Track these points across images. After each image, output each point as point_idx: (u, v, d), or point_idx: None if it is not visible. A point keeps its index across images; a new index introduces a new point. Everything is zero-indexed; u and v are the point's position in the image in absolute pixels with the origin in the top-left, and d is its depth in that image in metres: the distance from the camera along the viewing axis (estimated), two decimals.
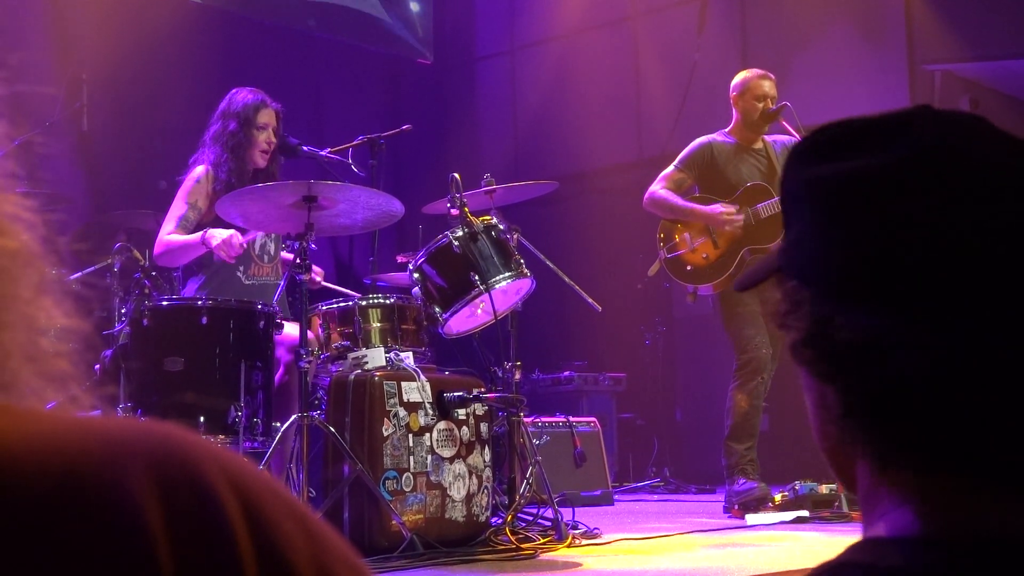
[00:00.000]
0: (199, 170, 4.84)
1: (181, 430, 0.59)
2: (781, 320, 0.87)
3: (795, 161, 0.88)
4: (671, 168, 6.04)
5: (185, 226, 4.79)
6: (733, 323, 5.86)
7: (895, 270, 0.79)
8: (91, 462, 0.55)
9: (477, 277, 4.38)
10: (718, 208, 5.84)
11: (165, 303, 4.36)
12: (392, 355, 4.37)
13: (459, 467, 4.32)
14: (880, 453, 0.82)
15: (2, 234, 0.61)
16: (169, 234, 4.79)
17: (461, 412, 4.37)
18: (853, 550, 0.81)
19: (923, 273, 0.78)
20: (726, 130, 6.06)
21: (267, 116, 4.92)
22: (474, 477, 4.37)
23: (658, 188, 6.00)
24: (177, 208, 4.82)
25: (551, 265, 5.05)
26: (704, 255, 5.94)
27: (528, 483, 4.54)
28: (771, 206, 5.81)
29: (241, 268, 4.90)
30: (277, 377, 4.58)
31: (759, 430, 5.83)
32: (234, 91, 4.97)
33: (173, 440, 0.58)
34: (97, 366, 4.22)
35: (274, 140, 4.95)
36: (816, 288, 0.84)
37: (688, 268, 5.98)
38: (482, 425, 4.46)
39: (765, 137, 6.03)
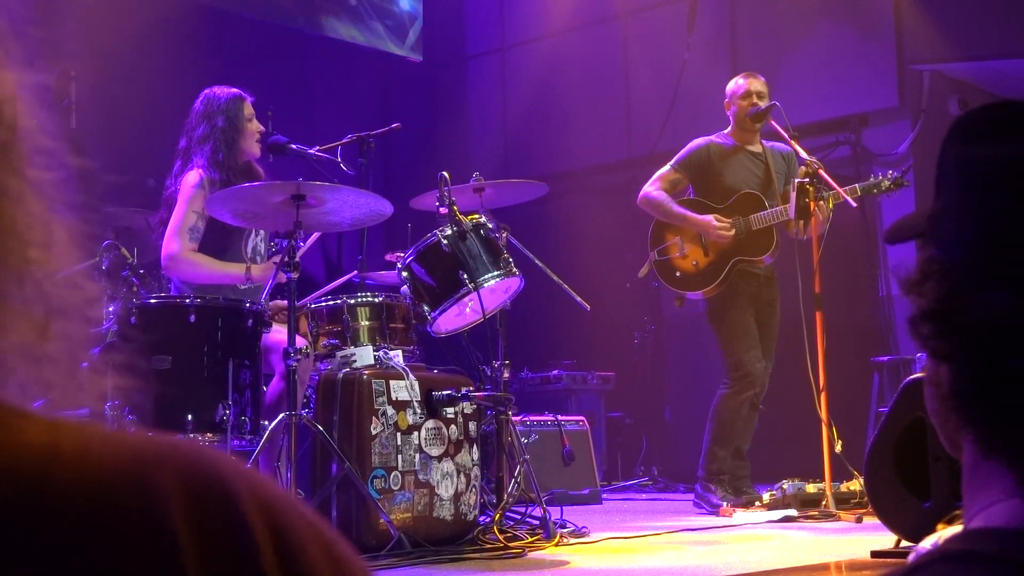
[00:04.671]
0: (193, 176, 4.75)
1: (210, 449, 0.60)
2: (908, 289, 0.86)
3: (955, 136, 0.88)
4: (667, 168, 6.05)
5: (196, 236, 4.72)
6: (726, 334, 5.88)
7: None
8: (123, 480, 0.56)
9: (466, 276, 4.38)
10: (711, 219, 5.85)
11: (153, 301, 4.35)
12: (381, 353, 4.37)
13: (447, 466, 4.32)
14: (985, 438, 0.82)
15: None
16: (193, 252, 4.69)
17: (449, 411, 4.37)
18: (970, 539, 0.80)
19: None
20: (725, 132, 6.10)
21: (248, 108, 4.93)
22: (462, 476, 4.37)
23: (652, 189, 6.01)
24: (186, 219, 4.70)
25: (540, 264, 5.05)
26: (694, 262, 5.95)
27: (516, 482, 4.54)
28: (764, 219, 5.83)
29: None
30: (272, 386, 4.56)
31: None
32: (206, 92, 4.93)
33: (203, 459, 0.59)
34: (84, 364, 4.20)
35: (262, 128, 4.96)
36: (951, 263, 0.83)
37: (677, 274, 6.00)
38: (470, 424, 4.46)
39: (764, 143, 6.07)
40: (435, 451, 4.29)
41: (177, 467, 0.58)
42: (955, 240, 0.83)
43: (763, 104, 5.93)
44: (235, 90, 4.94)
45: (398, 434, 4.20)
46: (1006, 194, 0.81)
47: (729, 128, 6.09)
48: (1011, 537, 0.79)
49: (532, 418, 6.69)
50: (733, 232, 5.82)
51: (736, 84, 6.03)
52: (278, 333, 4.45)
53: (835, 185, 5.51)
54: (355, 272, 5.14)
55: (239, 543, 0.57)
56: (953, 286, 0.82)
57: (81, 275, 0.65)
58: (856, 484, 5.39)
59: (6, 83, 0.63)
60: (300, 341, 4.23)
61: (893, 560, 3.55)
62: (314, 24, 9.51)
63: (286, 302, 4.25)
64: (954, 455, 0.88)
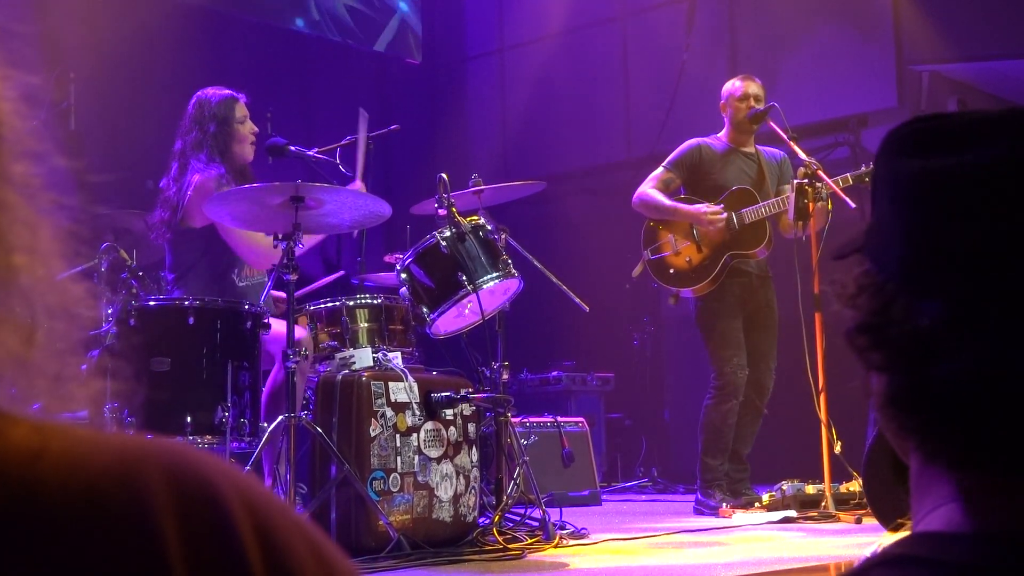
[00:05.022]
0: (206, 180, 4.74)
1: (196, 449, 0.60)
2: (844, 302, 0.88)
3: (884, 151, 0.89)
4: (659, 169, 6.06)
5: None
6: (712, 339, 5.88)
7: (960, 269, 0.80)
8: (110, 480, 0.56)
9: (465, 277, 4.38)
10: (702, 207, 5.85)
11: (152, 303, 4.35)
12: (380, 355, 4.37)
13: (446, 467, 4.32)
14: (924, 445, 0.84)
15: None
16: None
17: (449, 412, 4.37)
18: (909, 543, 0.82)
19: (986, 275, 0.79)
20: (718, 134, 6.10)
21: (242, 109, 4.92)
22: (461, 477, 4.37)
23: (646, 188, 6.01)
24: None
25: (539, 265, 5.05)
26: (687, 259, 5.95)
27: (516, 483, 4.54)
28: (756, 211, 5.83)
29: (235, 271, 4.89)
30: (272, 376, 4.56)
31: (731, 445, 5.88)
32: (198, 94, 4.91)
33: (190, 459, 0.59)
34: (84, 366, 4.20)
35: (256, 129, 4.95)
36: (884, 275, 0.85)
37: (671, 271, 5.99)
38: (470, 425, 4.46)
39: (757, 146, 6.08)
40: (434, 453, 4.29)
41: (164, 467, 0.58)
42: (886, 253, 0.85)
43: (760, 107, 5.93)
44: (227, 91, 4.92)
45: (397, 436, 4.20)
46: (933, 206, 0.83)
47: (723, 130, 6.08)
48: (946, 540, 0.81)
49: (531, 419, 6.69)
50: (725, 218, 5.81)
51: (733, 86, 6.03)
52: (277, 325, 4.46)
53: (834, 186, 5.50)
54: (340, 273, 5.13)
55: (225, 543, 0.57)
56: (886, 298, 0.84)
57: (72, 279, 0.65)
58: (856, 485, 5.39)
59: None
60: (301, 332, 4.23)
61: None
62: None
63: (282, 293, 4.24)
64: (905, 462, 0.90)
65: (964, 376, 0.79)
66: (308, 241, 4.77)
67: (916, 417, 0.83)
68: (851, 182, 5.63)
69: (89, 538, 0.54)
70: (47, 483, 0.55)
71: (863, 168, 5.72)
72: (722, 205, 5.86)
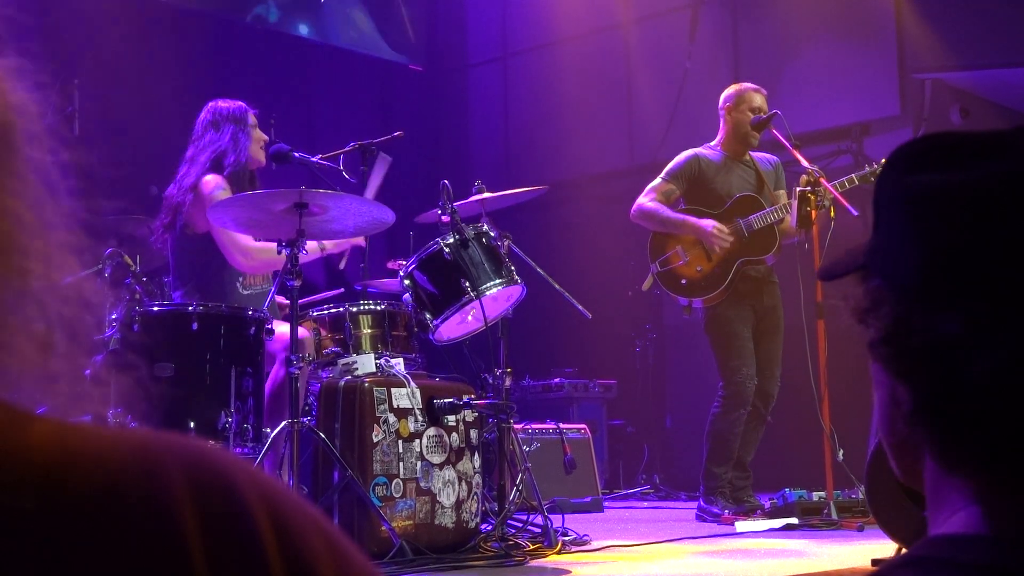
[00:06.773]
0: (212, 180, 4.76)
1: (215, 446, 0.62)
2: (860, 317, 0.90)
3: (892, 168, 0.91)
4: (659, 180, 6.03)
5: None
6: (721, 349, 5.86)
7: (979, 280, 0.82)
8: (131, 474, 0.58)
9: (468, 284, 4.39)
10: (710, 225, 5.82)
11: (155, 309, 4.36)
12: (382, 361, 4.38)
13: (449, 473, 4.32)
14: (946, 452, 0.85)
15: None
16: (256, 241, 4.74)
17: (451, 418, 4.37)
18: (927, 545, 0.84)
19: (1005, 285, 0.81)
20: (712, 144, 6.06)
21: (253, 118, 4.97)
22: (464, 483, 4.37)
23: (647, 200, 5.98)
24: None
25: (541, 272, 5.05)
26: (698, 268, 5.92)
27: (518, 490, 4.54)
28: (764, 217, 5.81)
29: (240, 279, 4.91)
30: (272, 375, 4.57)
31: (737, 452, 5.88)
32: (212, 103, 4.96)
33: (208, 455, 0.61)
34: (87, 371, 4.20)
35: (266, 137, 4.98)
36: (900, 289, 0.87)
37: (683, 282, 5.95)
38: (472, 431, 4.46)
39: (750, 152, 6.06)
40: (436, 459, 4.29)
41: (181, 461, 0.59)
42: (902, 268, 0.87)
43: (763, 115, 5.92)
44: (240, 103, 4.97)
45: (400, 442, 4.20)
46: (948, 219, 0.85)
47: (717, 139, 6.05)
48: (965, 542, 0.83)
49: (534, 426, 6.69)
50: (733, 238, 5.80)
51: (739, 93, 5.98)
52: (280, 327, 4.47)
53: (837, 194, 5.50)
54: (339, 291, 5.18)
55: (242, 533, 0.58)
56: (906, 310, 0.86)
57: (82, 284, 0.66)
58: (859, 492, 5.39)
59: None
60: (303, 332, 4.25)
61: None
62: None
63: (286, 299, 4.25)
64: (908, 482, 0.92)
65: (989, 382, 0.81)
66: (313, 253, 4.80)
67: (941, 423, 0.84)
68: (856, 182, 5.63)
69: (111, 530, 0.55)
70: (71, 477, 0.56)
71: (867, 168, 5.72)
72: (728, 219, 5.85)
